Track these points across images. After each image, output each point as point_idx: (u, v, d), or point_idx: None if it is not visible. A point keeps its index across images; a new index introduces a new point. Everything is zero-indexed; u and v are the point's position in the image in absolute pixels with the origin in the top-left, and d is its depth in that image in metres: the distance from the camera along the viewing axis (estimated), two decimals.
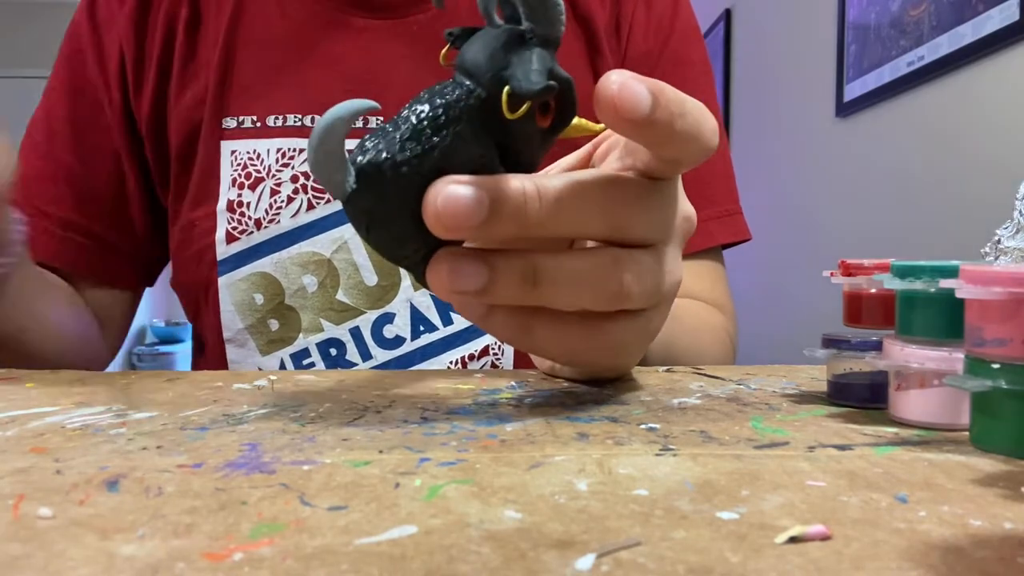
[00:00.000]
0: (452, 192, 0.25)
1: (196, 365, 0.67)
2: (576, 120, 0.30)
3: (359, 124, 0.58)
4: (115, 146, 0.62)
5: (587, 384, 0.37)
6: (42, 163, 0.62)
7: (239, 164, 0.59)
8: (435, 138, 0.26)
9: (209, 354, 0.62)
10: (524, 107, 0.26)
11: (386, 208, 0.26)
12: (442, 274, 0.26)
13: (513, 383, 0.38)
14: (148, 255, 0.66)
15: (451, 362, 0.59)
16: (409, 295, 0.58)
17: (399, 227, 0.27)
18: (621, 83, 0.26)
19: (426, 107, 0.26)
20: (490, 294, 0.27)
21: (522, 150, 0.28)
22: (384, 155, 0.26)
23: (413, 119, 0.26)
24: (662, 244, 0.31)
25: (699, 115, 0.28)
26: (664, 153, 0.28)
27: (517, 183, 0.26)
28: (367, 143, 0.26)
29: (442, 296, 0.27)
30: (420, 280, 0.28)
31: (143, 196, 0.64)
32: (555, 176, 0.27)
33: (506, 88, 0.26)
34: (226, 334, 0.60)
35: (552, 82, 0.26)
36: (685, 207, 0.33)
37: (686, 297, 0.62)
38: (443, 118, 0.26)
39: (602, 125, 0.32)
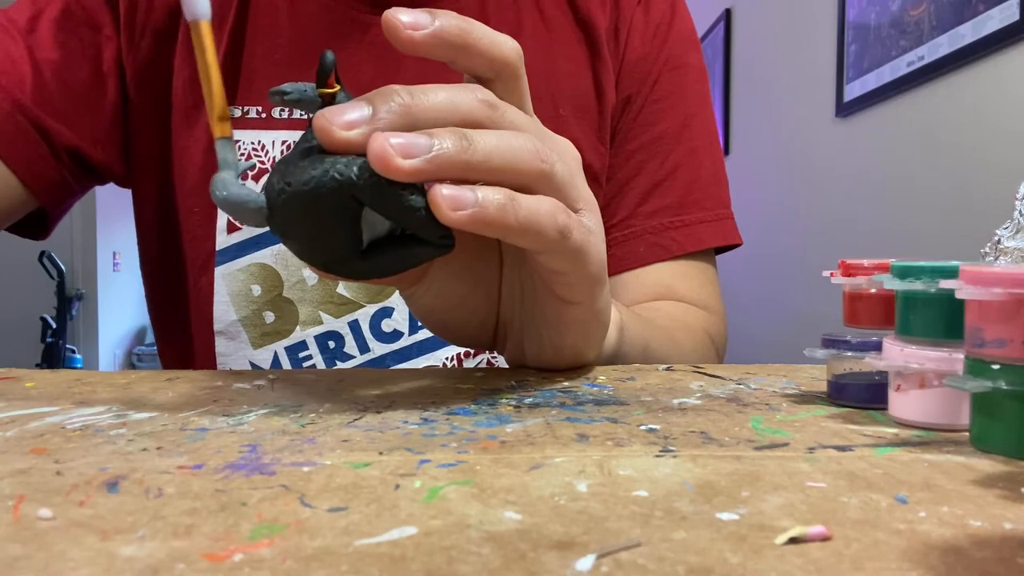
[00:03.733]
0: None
1: (168, 359, 0.65)
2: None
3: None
4: (101, 66, 0.59)
5: (587, 384, 0.37)
6: (15, 47, 0.57)
7: (243, 154, 0.59)
8: (304, 147, 0.30)
9: (197, 348, 0.61)
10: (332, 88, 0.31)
11: (300, 217, 0.29)
12: (388, 148, 0.28)
13: (513, 383, 0.38)
14: (83, 180, 0.62)
15: (448, 357, 0.59)
16: None
17: (319, 226, 0.30)
18: (406, 11, 0.30)
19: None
20: (434, 156, 0.29)
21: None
22: (275, 181, 0.30)
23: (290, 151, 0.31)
24: (558, 165, 0.33)
25: (491, 32, 0.32)
26: (467, 64, 0.32)
27: (392, 89, 0.30)
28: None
29: (394, 172, 0.28)
30: (356, 273, 0.31)
31: (118, 115, 0.60)
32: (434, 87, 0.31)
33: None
34: (217, 326, 0.59)
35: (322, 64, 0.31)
36: (559, 140, 0.36)
37: (674, 299, 0.62)
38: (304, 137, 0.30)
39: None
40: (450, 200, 0.29)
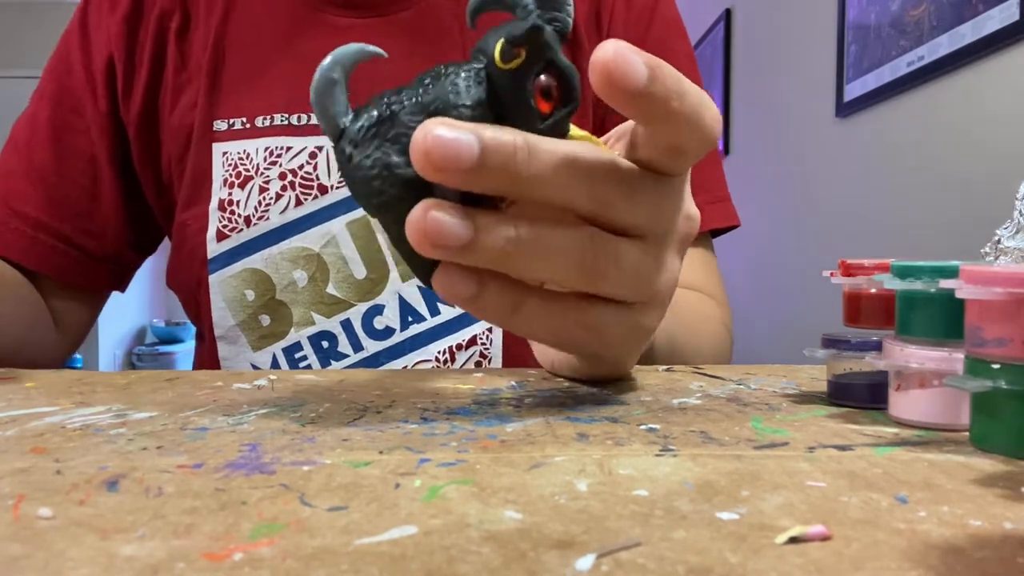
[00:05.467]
0: (445, 129, 0.24)
1: (195, 362, 0.68)
2: (572, 128, 0.29)
3: None
4: (93, 150, 0.63)
5: (587, 384, 0.37)
6: (19, 162, 0.63)
7: (230, 164, 0.59)
8: (432, 85, 0.27)
9: (203, 352, 0.62)
10: (516, 59, 0.26)
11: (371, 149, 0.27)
12: (426, 222, 0.25)
13: (513, 383, 0.38)
14: (120, 260, 0.66)
15: (439, 351, 0.59)
16: (398, 287, 0.59)
17: (385, 171, 0.27)
18: (616, 50, 0.25)
19: (432, 68, 0.27)
20: (469, 250, 0.26)
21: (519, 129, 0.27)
22: (383, 102, 0.27)
23: (419, 77, 0.27)
24: (656, 239, 0.30)
25: (700, 100, 0.28)
26: (663, 136, 0.28)
27: (510, 135, 0.25)
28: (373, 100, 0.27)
29: (421, 247, 0.26)
30: (396, 242, 0.28)
31: (119, 201, 0.64)
32: (552, 140, 0.27)
33: (500, 41, 0.26)
34: (217, 331, 0.60)
35: (540, 23, 0.26)
36: (689, 208, 0.32)
37: (680, 286, 0.62)
38: (443, 71, 0.27)
39: (598, 140, 0.31)
40: (446, 289, 0.27)
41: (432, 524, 0.18)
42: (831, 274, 0.34)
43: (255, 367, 0.59)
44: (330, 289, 0.59)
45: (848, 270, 0.33)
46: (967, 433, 0.27)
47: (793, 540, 0.17)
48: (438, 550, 0.17)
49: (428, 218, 0.25)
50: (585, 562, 0.16)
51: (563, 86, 0.27)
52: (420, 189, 0.26)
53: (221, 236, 0.59)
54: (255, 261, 0.59)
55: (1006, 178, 1.33)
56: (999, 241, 0.32)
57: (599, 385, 0.37)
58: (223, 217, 0.59)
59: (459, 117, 0.26)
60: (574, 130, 0.29)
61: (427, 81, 0.27)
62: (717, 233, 0.67)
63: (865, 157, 1.91)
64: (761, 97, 2.70)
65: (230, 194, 0.59)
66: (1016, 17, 1.30)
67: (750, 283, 2.63)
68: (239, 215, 0.59)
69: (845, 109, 1.99)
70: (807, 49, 2.25)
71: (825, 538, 0.18)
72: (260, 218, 0.59)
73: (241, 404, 0.32)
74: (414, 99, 0.27)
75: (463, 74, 0.27)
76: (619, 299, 0.30)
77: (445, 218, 0.25)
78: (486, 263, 0.27)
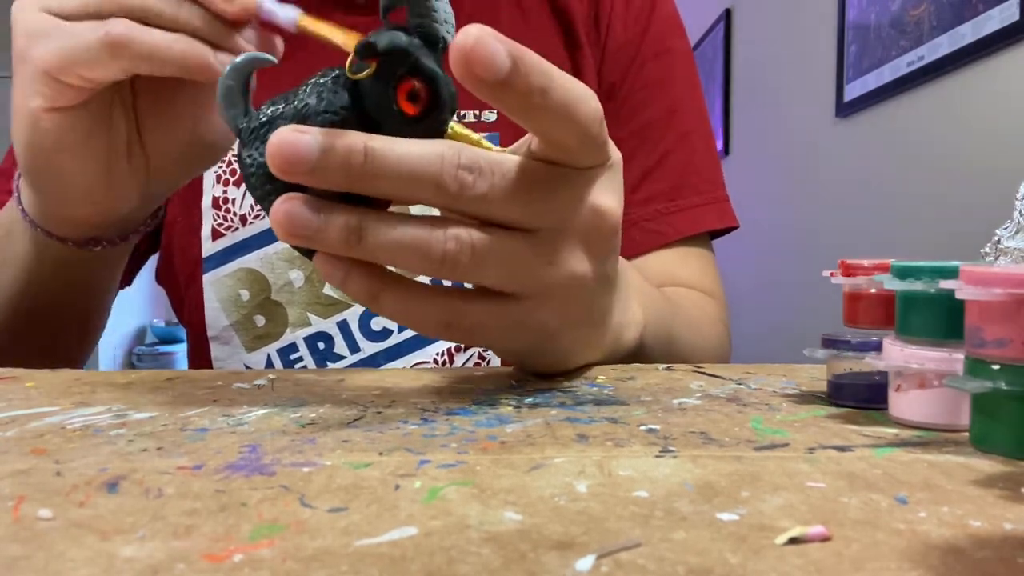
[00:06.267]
0: (290, 133, 0.26)
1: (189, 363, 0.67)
2: (454, 128, 0.30)
3: None
4: None
5: (587, 383, 0.37)
6: None
7: (224, 161, 0.59)
8: (306, 91, 0.29)
9: (195, 352, 0.62)
10: (366, 70, 0.28)
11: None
12: (279, 213, 0.28)
13: (513, 383, 0.38)
14: (143, 254, 0.66)
15: (438, 353, 0.59)
16: None
17: (260, 169, 0.30)
18: (479, 37, 0.25)
19: (318, 72, 0.30)
20: (317, 240, 0.28)
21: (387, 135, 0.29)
22: (268, 106, 0.30)
23: (304, 81, 0.30)
24: (548, 232, 0.30)
25: (570, 95, 0.27)
26: (535, 129, 0.28)
27: (351, 137, 0.27)
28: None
29: (280, 236, 0.28)
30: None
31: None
32: (396, 140, 0.28)
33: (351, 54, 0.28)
34: (210, 332, 0.59)
35: (373, 40, 0.27)
36: (599, 200, 0.31)
37: (676, 284, 0.62)
38: (319, 77, 0.29)
39: (488, 144, 0.30)
40: (320, 273, 0.29)
41: (432, 525, 0.18)
42: (831, 274, 0.34)
43: (249, 368, 0.59)
44: (327, 289, 0.59)
45: (848, 270, 0.33)
46: (967, 434, 0.27)
47: (793, 541, 0.17)
48: (438, 551, 0.17)
49: (280, 208, 0.28)
50: (585, 563, 0.16)
51: (430, 90, 0.28)
52: (292, 186, 0.28)
53: (216, 235, 0.59)
54: (250, 260, 0.58)
55: (1006, 178, 1.33)
56: (999, 241, 0.32)
57: (599, 384, 0.37)
58: (218, 215, 0.59)
59: (323, 123, 0.28)
60: (456, 129, 0.30)
61: (305, 87, 0.29)
62: (716, 234, 0.67)
63: (865, 157, 1.92)
64: (761, 97, 2.70)
65: (224, 192, 0.59)
66: (1016, 17, 1.30)
67: (750, 283, 2.63)
68: (235, 213, 0.59)
69: (845, 109, 1.99)
70: (807, 49, 2.25)
71: (825, 539, 0.18)
72: (256, 217, 0.59)
73: (241, 404, 0.32)
74: (291, 104, 0.29)
75: (329, 82, 0.29)
76: (503, 291, 0.31)
77: (294, 208, 0.28)
78: (335, 250, 0.28)
